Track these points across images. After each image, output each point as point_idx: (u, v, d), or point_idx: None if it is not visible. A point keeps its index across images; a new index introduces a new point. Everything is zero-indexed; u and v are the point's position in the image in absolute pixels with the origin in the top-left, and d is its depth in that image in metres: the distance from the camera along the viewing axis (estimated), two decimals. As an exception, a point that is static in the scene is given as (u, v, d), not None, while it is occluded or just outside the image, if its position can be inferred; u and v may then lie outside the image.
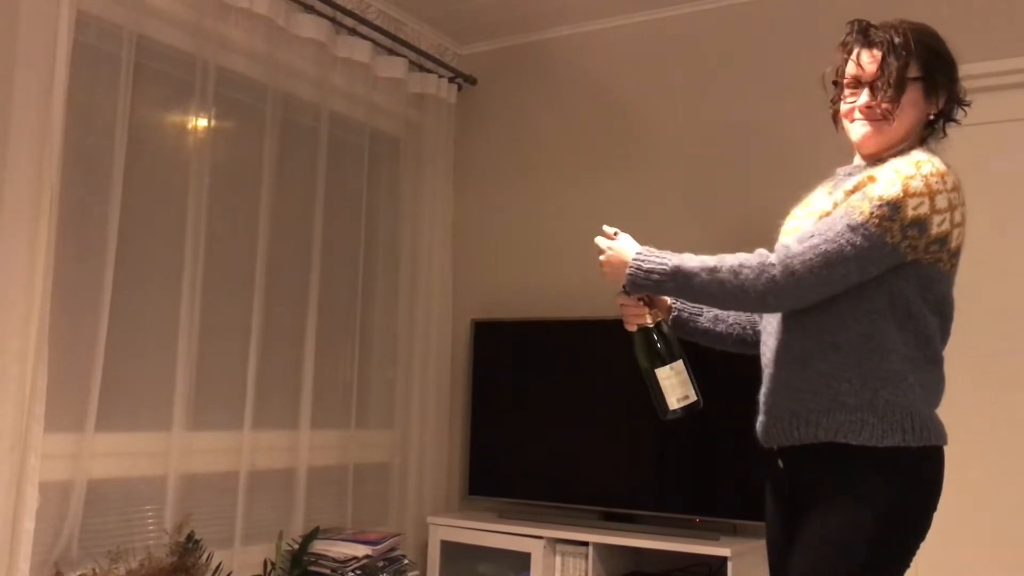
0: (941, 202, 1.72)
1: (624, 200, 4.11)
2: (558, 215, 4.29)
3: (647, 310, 1.88)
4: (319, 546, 3.43)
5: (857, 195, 1.79)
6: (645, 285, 1.86)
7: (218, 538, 3.28)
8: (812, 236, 1.76)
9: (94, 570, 2.78)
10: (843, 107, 1.95)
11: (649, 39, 4.18)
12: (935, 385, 1.81)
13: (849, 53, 1.93)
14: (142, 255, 3.19)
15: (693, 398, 1.77)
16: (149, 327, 3.20)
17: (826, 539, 1.72)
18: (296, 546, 3.38)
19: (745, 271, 1.76)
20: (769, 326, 1.95)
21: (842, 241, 1.71)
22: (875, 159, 1.91)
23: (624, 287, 1.90)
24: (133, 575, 2.78)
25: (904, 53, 1.83)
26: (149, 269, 3.22)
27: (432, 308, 4.34)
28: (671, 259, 1.84)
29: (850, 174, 1.95)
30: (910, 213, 1.71)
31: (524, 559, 3.68)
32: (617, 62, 4.25)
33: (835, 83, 2.00)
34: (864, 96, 1.88)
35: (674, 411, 1.76)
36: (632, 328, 1.91)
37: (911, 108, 1.86)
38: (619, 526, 3.75)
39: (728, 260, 1.80)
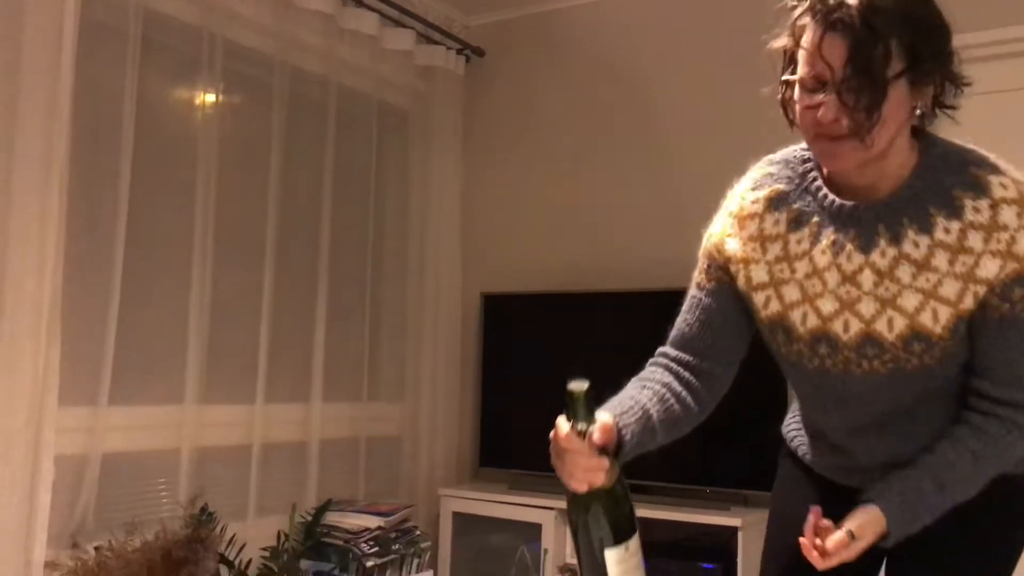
0: None
1: (635, 172, 4.09)
2: (568, 187, 4.27)
3: (608, 464, 1.21)
4: (332, 518, 3.46)
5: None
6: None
7: (232, 510, 3.31)
8: None
9: (110, 542, 2.81)
10: (798, 105, 1.38)
11: (659, 8, 4.14)
12: None
13: (800, 36, 1.35)
14: (152, 229, 3.20)
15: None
16: (160, 301, 3.22)
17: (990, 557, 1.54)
18: (309, 518, 3.41)
19: (1005, 450, 1.40)
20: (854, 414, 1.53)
21: None
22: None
23: (609, 453, 1.27)
24: (148, 547, 2.80)
25: (883, 37, 1.26)
26: (159, 243, 3.23)
27: (442, 281, 4.34)
28: (943, 497, 1.39)
29: (906, 215, 1.38)
30: None
31: (535, 529, 3.71)
32: (627, 32, 4.21)
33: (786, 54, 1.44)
34: (830, 107, 1.30)
35: None
36: (581, 488, 1.24)
37: (895, 111, 1.32)
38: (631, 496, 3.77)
39: (976, 456, 1.39)
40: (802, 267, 1.44)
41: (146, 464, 3.13)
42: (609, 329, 3.85)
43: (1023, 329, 1.34)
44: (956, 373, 1.43)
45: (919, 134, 1.42)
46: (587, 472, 1.24)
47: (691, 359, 1.55)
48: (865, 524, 1.36)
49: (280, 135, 3.60)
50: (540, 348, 4.09)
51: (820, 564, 1.35)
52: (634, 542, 1.22)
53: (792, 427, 1.75)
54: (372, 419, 4.04)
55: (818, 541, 1.36)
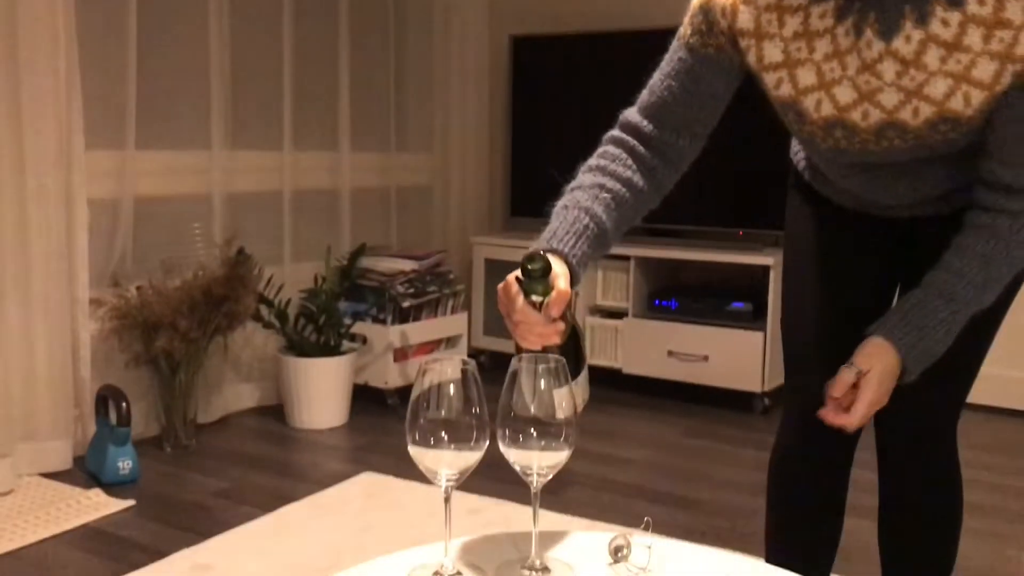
0: None
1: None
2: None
3: (563, 326, 1.15)
4: (366, 262, 3.50)
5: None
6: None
7: (268, 256, 3.36)
8: None
9: (150, 281, 2.87)
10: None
11: None
12: None
13: None
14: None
15: (580, 408, 1.17)
16: (179, 45, 3.11)
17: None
18: (344, 262, 3.46)
19: (1018, 248, 1.25)
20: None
21: None
22: None
23: (561, 313, 1.16)
24: (188, 285, 2.86)
25: None
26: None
27: (468, 24, 4.17)
28: (955, 308, 1.26)
29: None
30: None
31: (567, 273, 3.74)
32: None
33: None
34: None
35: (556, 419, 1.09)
36: (535, 348, 1.15)
37: None
38: (662, 240, 3.78)
39: (987, 260, 1.25)
40: (822, 46, 1.23)
41: (179, 209, 3.15)
42: (644, 70, 3.69)
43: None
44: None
45: None
46: (541, 337, 1.14)
47: (665, 135, 1.34)
48: (869, 354, 1.26)
49: None
50: (572, 93, 3.97)
51: (841, 421, 1.27)
52: (582, 376, 1.17)
53: (800, 154, 1.61)
54: (402, 169, 4.02)
55: (831, 405, 1.27)
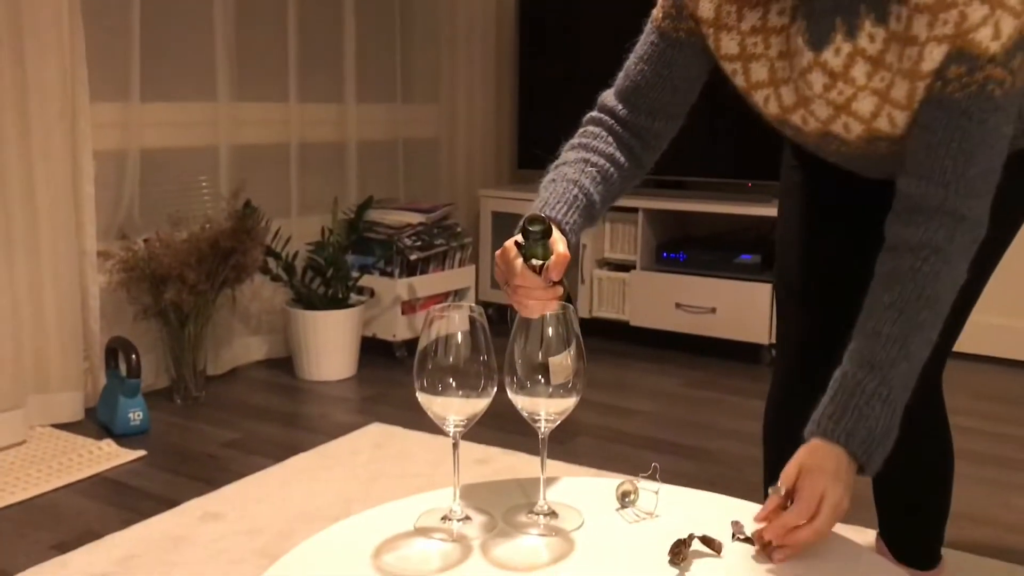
0: None
1: None
2: None
3: (561, 291, 1.14)
4: (374, 215, 3.49)
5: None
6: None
7: (275, 208, 3.35)
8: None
9: (157, 233, 2.87)
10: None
11: None
12: None
13: None
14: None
15: (572, 375, 1.11)
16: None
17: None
18: (352, 215, 3.45)
19: (930, 284, 1.13)
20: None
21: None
22: None
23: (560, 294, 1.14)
24: (195, 238, 2.86)
25: None
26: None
27: (475, -27, 4.11)
28: (883, 375, 1.12)
29: None
30: None
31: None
32: None
33: None
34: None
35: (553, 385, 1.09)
36: (532, 316, 1.11)
37: None
38: (670, 192, 3.75)
39: (903, 302, 1.13)
40: (777, 44, 1.22)
41: (185, 161, 3.13)
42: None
43: (952, 112, 1.10)
44: None
45: None
46: (539, 303, 1.11)
47: (640, 119, 1.33)
48: (801, 458, 1.10)
49: None
50: (581, 43, 3.92)
51: (796, 539, 1.05)
52: (574, 345, 1.12)
53: None
54: (408, 121, 3.99)
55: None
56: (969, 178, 1.11)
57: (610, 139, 1.33)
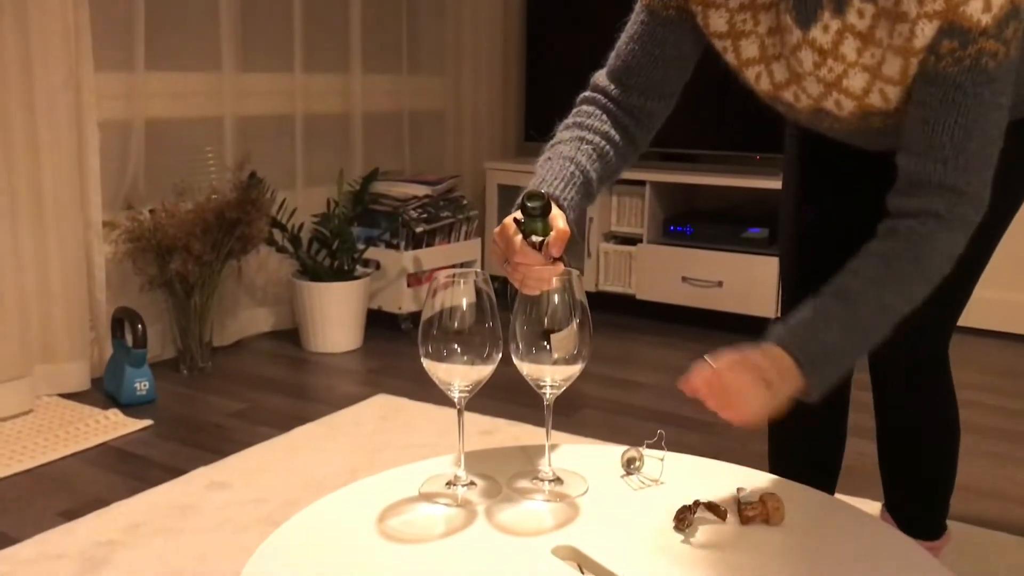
0: None
1: None
2: None
3: (561, 267, 1.13)
4: (379, 187, 3.48)
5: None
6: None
7: (280, 180, 3.34)
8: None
9: (163, 203, 2.86)
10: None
11: None
12: None
13: None
14: None
15: (574, 351, 1.13)
16: (186, -39, 3.06)
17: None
18: (357, 187, 3.44)
19: (930, 255, 1.13)
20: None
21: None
22: None
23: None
24: (200, 208, 2.85)
25: None
26: None
27: (482, -57, 4.07)
28: (850, 306, 1.14)
29: None
30: None
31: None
32: None
33: None
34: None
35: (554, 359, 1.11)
36: (532, 294, 1.11)
37: None
38: (677, 165, 3.73)
39: (892, 253, 1.14)
40: (767, 20, 1.20)
41: (190, 131, 3.12)
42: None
43: (947, 87, 1.09)
44: None
45: None
46: (539, 281, 1.10)
47: (633, 99, 1.32)
48: (747, 351, 1.11)
49: None
50: (588, 14, 3.89)
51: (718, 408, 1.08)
52: (579, 313, 1.13)
53: None
54: (414, 93, 3.97)
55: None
56: (968, 153, 1.11)
57: (604, 118, 1.32)
